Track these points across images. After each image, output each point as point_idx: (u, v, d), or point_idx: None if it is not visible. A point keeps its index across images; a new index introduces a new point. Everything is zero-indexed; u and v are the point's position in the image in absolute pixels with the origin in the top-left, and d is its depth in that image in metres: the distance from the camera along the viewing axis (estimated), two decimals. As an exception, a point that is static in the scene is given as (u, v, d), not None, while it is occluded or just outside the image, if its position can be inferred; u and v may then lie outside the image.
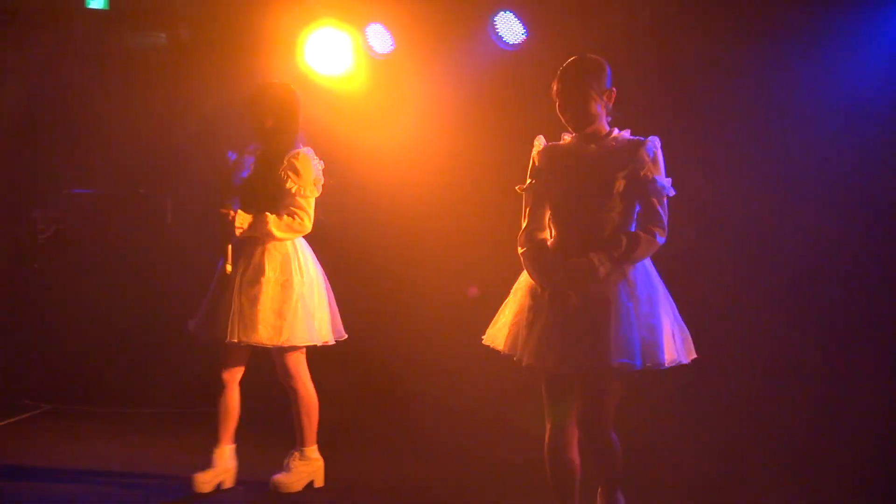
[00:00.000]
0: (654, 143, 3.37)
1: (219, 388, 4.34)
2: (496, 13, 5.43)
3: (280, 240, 4.22)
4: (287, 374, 4.31)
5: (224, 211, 4.17)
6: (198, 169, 6.13)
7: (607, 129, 3.43)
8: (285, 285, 4.21)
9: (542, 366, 3.34)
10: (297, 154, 4.23)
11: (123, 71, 6.34)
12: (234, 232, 4.16)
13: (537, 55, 5.31)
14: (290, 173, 4.19)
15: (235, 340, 4.15)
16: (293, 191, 4.18)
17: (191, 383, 5.81)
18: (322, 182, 4.29)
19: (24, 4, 6.05)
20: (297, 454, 4.38)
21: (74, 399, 5.89)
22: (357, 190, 5.58)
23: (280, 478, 4.31)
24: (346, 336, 4.41)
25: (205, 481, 4.21)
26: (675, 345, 3.35)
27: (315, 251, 4.47)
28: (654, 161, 3.34)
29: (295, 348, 4.25)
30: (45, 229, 6.27)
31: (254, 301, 4.16)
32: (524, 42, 5.44)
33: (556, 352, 3.30)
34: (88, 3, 6.18)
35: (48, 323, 6.09)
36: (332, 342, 4.33)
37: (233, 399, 4.32)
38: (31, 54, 6.16)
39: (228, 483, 4.34)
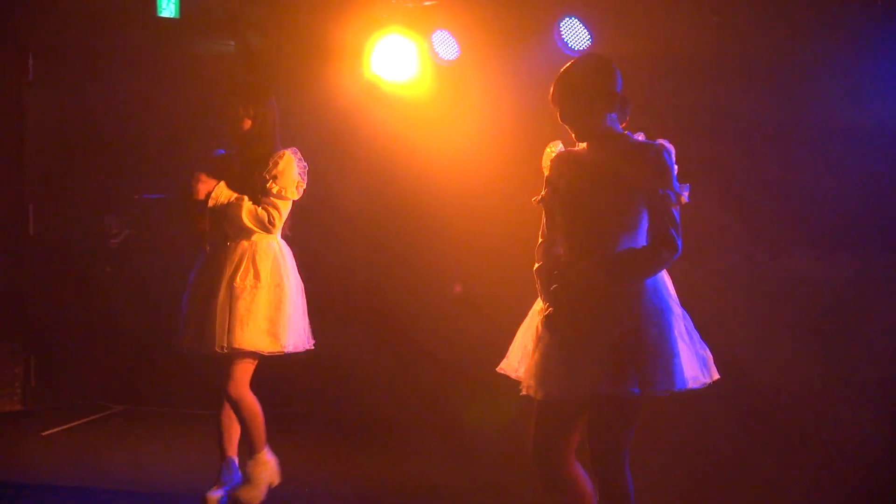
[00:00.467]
0: (662, 147, 3.08)
1: (224, 399, 4.22)
2: (561, 19, 5.40)
3: (245, 228, 4.10)
4: (235, 381, 4.14)
5: (203, 182, 4.08)
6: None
7: (619, 132, 3.14)
8: (278, 290, 4.13)
9: (540, 394, 3.10)
10: (283, 155, 4.15)
11: (193, 77, 6.42)
12: (207, 201, 4.06)
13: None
14: (272, 175, 4.12)
15: (238, 347, 4.03)
16: (273, 191, 4.09)
17: (266, 385, 5.83)
18: (304, 186, 4.20)
19: (97, 13, 6.14)
20: (251, 462, 4.24)
21: (148, 400, 6.05)
22: (421, 194, 5.64)
23: (244, 493, 4.17)
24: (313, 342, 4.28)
25: (217, 498, 4.17)
26: (691, 366, 3.07)
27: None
28: (661, 167, 3.03)
29: (252, 355, 4.12)
30: (117, 234, 6.41)
31: (249, 306, 4.07)
32: (589, 48, 5.36)
33: (552, 378, 3.07)
34: (160, 12, 6.23)
35: (120, 326, 6.22)
36: (311, 347, 4.27)
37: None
38: (104, 61, 6.33)
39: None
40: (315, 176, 4.95)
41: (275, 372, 4.33)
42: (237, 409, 4.15)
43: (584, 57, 3.20)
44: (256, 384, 4.35)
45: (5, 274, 6.37)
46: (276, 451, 4.44)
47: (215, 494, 4.15)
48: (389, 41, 5.67)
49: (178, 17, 6.23)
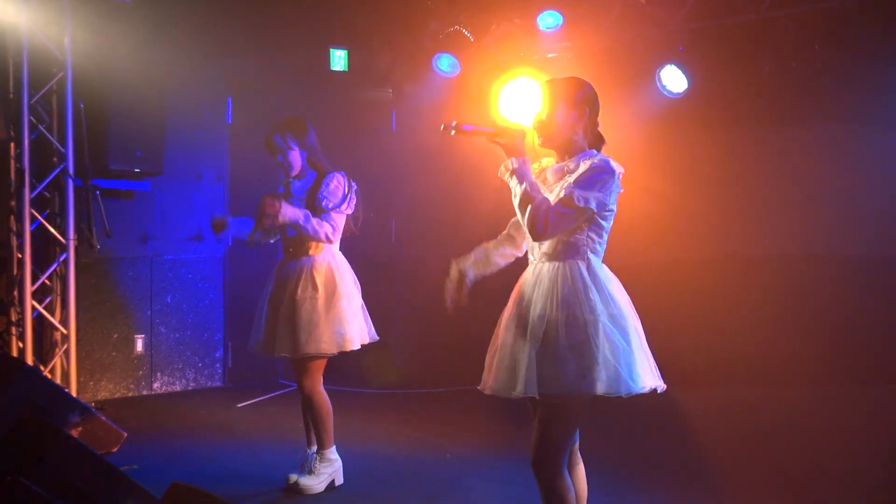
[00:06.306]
0: (602, 159, 2.99)
1: (316, 397, 4.25)
2: (662, 67, 5.97)
3: (306, 233, 4.13)
4: (309, 378, 4.22)
5: (269, 204, 4.09)
6: (414, 197, 6.96)
7: (581, 145, 3.06)
8: (335, 298, 4.18)
9: (487, 389, 3.08)
10: (333, 177, 4.24)
11: (357, 117, 7.09)
12: (276, 217, 4.06)
13: (698, 101, 5.88)
14: (325, 193, 4.20)
15: (306, 352, 4.13)
16: (329, 206, 4.18)
17: (411, 366, 6.50)
18: (354, 202, 4.27)
19: (283, 67, 6.89)
20: (317, 457, 4.32)
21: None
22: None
23: (304, 480, 4.28)
24: (378, 338, 4.36)
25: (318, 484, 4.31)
26: (628, 373, 2.90)
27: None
28: (588, 175, 2.93)
29: (319, 356, 4.19)
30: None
31: (311, 315, 4.14)
32: (687, 90, 5.94)
33: (498, 375, 3.04)
34: (332, 67, 7.00)
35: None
36: (367, 342, 4.34)
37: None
38: (288, 106, 6.64)
39: (339, 480, 4.39)
40: (450, 188, 5.68)
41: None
42: (309, 403, 4.24)
43: (567, 77, 3.12)
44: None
45: (212, 281, 6.95)
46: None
47: (296, 477, 4.35)
48: (515, 85, 6.33)
49: (346, 70, 7.04)
